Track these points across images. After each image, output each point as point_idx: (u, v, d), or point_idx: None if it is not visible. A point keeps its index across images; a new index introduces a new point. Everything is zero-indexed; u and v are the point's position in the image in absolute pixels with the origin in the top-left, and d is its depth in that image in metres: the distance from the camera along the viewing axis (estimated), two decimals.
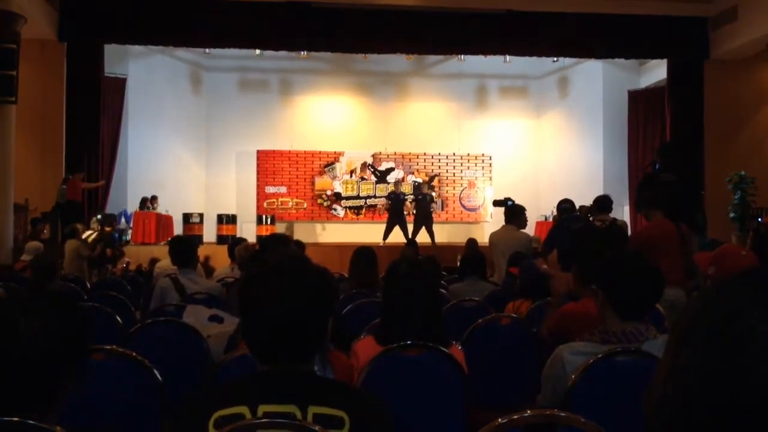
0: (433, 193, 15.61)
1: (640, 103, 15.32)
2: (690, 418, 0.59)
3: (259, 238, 13.65)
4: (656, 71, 14.77)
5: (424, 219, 13.83)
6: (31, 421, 1.34)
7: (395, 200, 14.26)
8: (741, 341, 0.57)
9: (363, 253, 5.01)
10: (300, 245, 3.37)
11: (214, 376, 2.47)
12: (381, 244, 12.98)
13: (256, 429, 1.38)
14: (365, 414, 1.45)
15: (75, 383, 1.42)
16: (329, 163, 16.58)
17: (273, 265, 1.57)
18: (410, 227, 13.79)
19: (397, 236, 13.86)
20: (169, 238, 12.02)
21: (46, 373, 1.36)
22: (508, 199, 7.07)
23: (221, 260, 9.56)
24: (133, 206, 14.19)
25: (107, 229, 11.26)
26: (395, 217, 13.96)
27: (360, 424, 1.42)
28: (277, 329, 1.45)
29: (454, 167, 16.91)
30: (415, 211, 14.35)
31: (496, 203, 7.10)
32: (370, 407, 1.49)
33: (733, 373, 0.56)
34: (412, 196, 15.31)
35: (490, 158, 16.91)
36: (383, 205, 15.53)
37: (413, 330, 2.45)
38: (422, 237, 13.33)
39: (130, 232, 13.79)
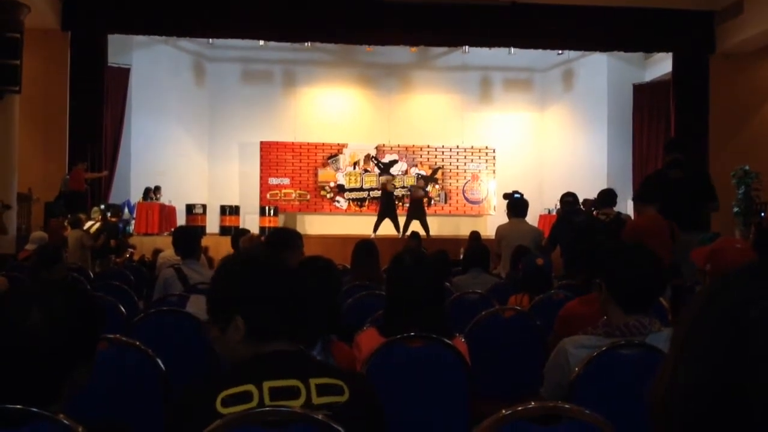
0: (425, 190, 15.68)
1: (645, 96, 15.27)
2: (697, 409, 0.59)
3: (263, 230, 13.68)
4: (661, 65, 14.71)
5: (415, 213, 14.05)
6: (35, 409, 1.34)
7: (384, 195, 14.54)
8: (751, 333, 0.56)
9: (365, 246, 5.02)
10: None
11: (218, 366, 2.47)
12: (372, 236, 13.01)
13: (265, 416, 1.41)
14: (360, 384, 1.56)
15: (88, 374, 1.43)
16: (332, 154, 16.57)
17: (246, 259, 1.73)
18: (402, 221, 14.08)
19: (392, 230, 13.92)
20: (173, 229, 12.04)
21: (57, 364, 1.37)
22: (516, 191, 7.08)
23: (224, 251, 9.57)
24: (136, 197, 14.19)
25: (113, 219, 11.27)
26: (386, 211, 14.21)
27: (358, 392, 1.51)
28: (281, 312, 1.57)
29: (457, 160, 16.89)
30: (408, 206, 14.67)
31: (506, 196, 7.11)
32: (363, 382, 1.61)
33: (743, 365, 0.56)
34: (404, 190, 15.58)
35: (494, 151, 16.88)
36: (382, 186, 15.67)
37: (416, 322, 2.45)
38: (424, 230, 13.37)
39: (133, 222, 13.80)
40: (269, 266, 1.62)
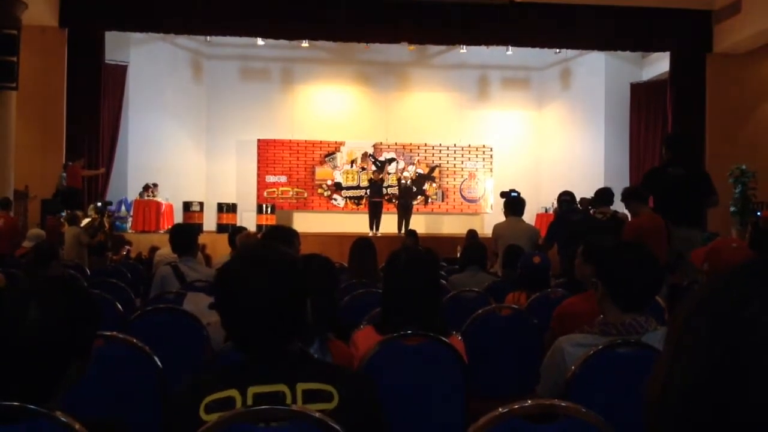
0: (414, 188, 15.71)
1: (642, 95, 15.29)
2: (694, 409, 0.59)
3: (260, 227, 13.67)
4: (659, 64, 14.72)
5: (404, 209, 14.20)
6: (31, 406, 1.34)
7: (373, 187, 14.61)
8: (749, 332, 0.56)
9: (362, 244, 5.02)
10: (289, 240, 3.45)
11: (214, 364, 2.47)
12: (370, 234, 13.00)
13: (253, 416, 1.39)
14: (353, 388, 1.50)
15: (84, 371, 1.43)
16: (330, 152, 16.56)
17: (240, 257, 1.66)
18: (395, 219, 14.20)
19: (392, 227, 13.92)
20: (170, 227, 12.02)
21: (54, 361, 1.37)
22: (513, 190, 7.08)
23: (222, 249, 9.56)
24: (133, 194, 14.19)
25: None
26: (372, 207, 14.34)
27: (348, 397, 1.46)
28: (258, 316, 1.49)
29: (454, 158, 16.89)
30: (397, 201, 14.77)
31: (503, 195, 7.10)
32: (357, 383, 1.54)
33: (741, 365, 0.56)
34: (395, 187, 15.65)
35: (491, 149, 16.89)
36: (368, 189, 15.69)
37: (413, 320, 2.45)
38: (422, 228, 13.37)
39: (130, 219, 13.79)
40: (252, 270, 1.51)
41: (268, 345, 1.50)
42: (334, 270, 2.67)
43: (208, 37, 15.37)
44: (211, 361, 2.73)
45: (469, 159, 16.91)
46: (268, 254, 1.59)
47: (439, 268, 5.97)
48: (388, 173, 16.32)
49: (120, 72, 14.16)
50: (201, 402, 1.42)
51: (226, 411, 1.39)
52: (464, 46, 15.65)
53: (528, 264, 4.30)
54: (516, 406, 1.57)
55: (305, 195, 16.49)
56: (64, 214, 10.73)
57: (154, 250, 9.16)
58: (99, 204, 11.66)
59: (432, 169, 16.82)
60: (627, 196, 5.88)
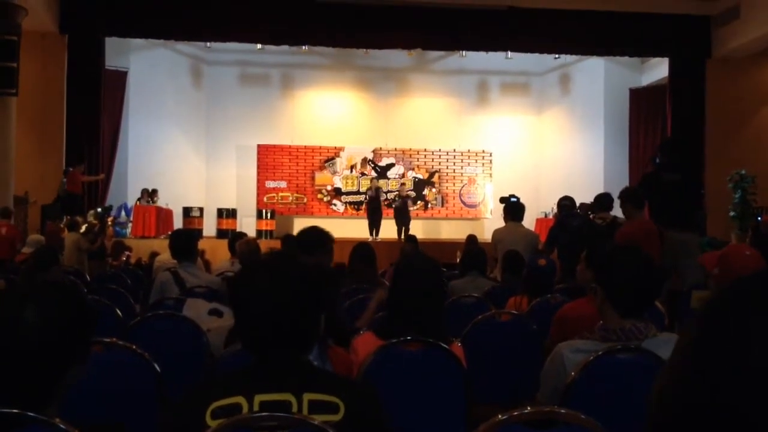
0: (409, 195, 15.76)
1: (642, 101, 15.31)
2: (698, 420, 0.58)
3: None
4: (658, 69, 14.76)
5: (401, 218, 14.31)
6: (30, 413, 1.34)
7: (372, 197, 14.75)
8: (755, 343, 0.56)
9: (362, 249, 5.02)
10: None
11: (213, 370, 2.47)
12: (370, 239, 13.02)
13: (255, 422, 1.39)
14: (359, 401, 1.49)
15: (80, 374, 1.43)
16: (329, 158, 16.57)
17: (260, 262, 1.67)
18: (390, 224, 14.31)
19: (391, 232, 13.93)
20: (170, 232, 12.01)
21: (50, 365, 1.37)
22: (512, 195, 7.07)
23: (221, 254, 9.55)
24: (133, 199, 14.19)
25: (95, 222, 11.22)
26: (372, 213, 14.42)
27: (354, 410, 1.46)
28: (266, 322, 1.50)
29: (454, 163, 16.90)
30: (393, 207, 14.89)
31: (503, 200, 7.09)
32: (364, 395, 1.54)
33: (745, 377, 0.56)
34: (392, 195, 15.75)
35: (491, 155, 16.90)
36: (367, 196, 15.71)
37: (414, 326, 2.45)
38: (421, 233, 13.36)
39: (130, 225, 13.79)
40: (260, 280, 1.54)
41: (279, 352, 1.51)
42: (335, 277, 2.67)
43: (208, 43, 15.41)
44: (212, 367, 2.72)
45: (469, 164, 16.92)
46: (285, 262, 1.60)
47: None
48: (387, 178, 16.30)
49: (120, 78, 14.19)
50: (208, 408, 1.42)
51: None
52: (464, 52, 15.68)
53: (534, 267, 4.29)
54: (515, 413, 1.57)
55: (305, 200, 16.49)
56: (64, 219, 10.73)
57: (153, 255, 9.15)
58: (99, 210, 11.65)
59: (431, 175, 16.83)
60: (625, 198, 5.80)
